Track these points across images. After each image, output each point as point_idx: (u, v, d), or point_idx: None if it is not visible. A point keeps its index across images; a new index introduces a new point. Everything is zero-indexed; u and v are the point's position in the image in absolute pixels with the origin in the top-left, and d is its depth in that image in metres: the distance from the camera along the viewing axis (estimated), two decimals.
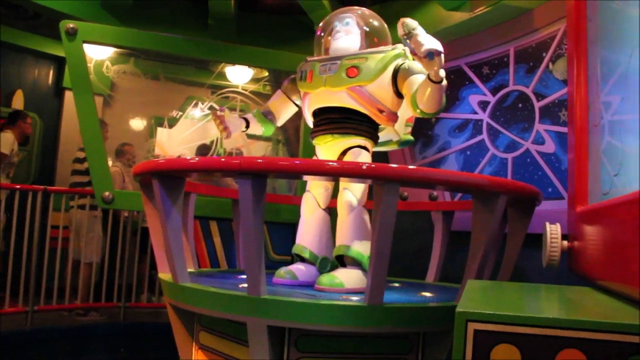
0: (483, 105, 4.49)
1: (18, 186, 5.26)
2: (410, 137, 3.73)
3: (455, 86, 4.75)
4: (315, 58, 3.51)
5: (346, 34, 3.46)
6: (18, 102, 6.50)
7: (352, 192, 3.28)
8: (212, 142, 5.65)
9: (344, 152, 3.39)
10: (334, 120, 3.39)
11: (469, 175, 2.65)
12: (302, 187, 4.52)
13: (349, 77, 3.28)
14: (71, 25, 4.57)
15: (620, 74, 1.91)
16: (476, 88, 4.58)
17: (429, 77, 2.96)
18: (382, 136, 3.61)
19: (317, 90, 3.41)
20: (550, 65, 3.97)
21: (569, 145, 2.67)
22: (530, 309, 1.59)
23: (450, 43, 4.72)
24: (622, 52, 1.88)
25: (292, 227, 4.80)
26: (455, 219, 4.08)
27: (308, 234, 3.57)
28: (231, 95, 5.75)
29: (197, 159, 2.65)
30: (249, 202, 2.50)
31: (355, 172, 2.46)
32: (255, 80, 6.20)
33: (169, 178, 2.88)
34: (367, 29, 3.50)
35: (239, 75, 6.08)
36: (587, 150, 2.49)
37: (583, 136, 2.48)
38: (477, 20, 4.29)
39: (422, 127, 4.84)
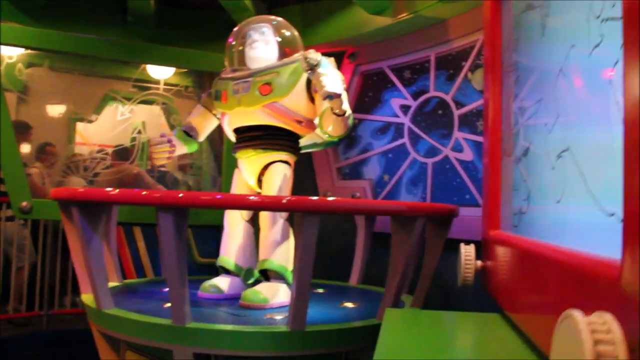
0: (404, 109, 4.57)
1: None
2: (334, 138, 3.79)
3: (378, 88, 4.81)
4: (228, 75, 3.49)
5: (265, 43, 3.46)
6: None
7: None
8: (132, 145, 5.53)
9: (266, 167, 3.43)
10: (254, 137, 3.41)
11: (387, 203, 2.72)
12: (227, 188, 4.52)
13: (262, 94, 3.30)
14: None
15: (535, 79, 1.99)
16: (398, 91, 4.65)
17: (332, 111, 3.05)
18: (307, 140, 3.66)
19: (233, 110, 3.41)
20: (469, 75, 4.06)
21: (483, 169, 2.77)
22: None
23: (373, 45, 4.77)
24: (536, 57, 1.97)
25: (215, 229, 4.80)
26: (377, 220, 4.17)
27: (232, 246, 3.60)
28: (154, 95, 5.63)
29: (117, 191, 2.60)
30: (171, 236, 2.49)
31: (276, 206, 2.49)
32: (179, 74, 6.06)
33: (90, 206, 2.83)
34: (280, 39, 3.51)
35: (161, 70, 5.93)
36: (499, 179, 2.60)
37: (495, 164, 2.58)
38: (400, 25, 4.34)
39: None
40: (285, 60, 3.42)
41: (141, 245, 4.59)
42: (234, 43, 3.57)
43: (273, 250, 3.32)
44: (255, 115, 3.37)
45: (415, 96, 4.51)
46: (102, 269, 2.94)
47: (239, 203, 2.49)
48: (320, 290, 3.88)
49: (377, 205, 2.72)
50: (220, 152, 5.39)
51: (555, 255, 1.49)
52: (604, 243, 1.11)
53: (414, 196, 4.43)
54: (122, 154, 5.54)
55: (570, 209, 1.51)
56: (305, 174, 4.97)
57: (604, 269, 1.08)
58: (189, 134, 3.74)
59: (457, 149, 4.11)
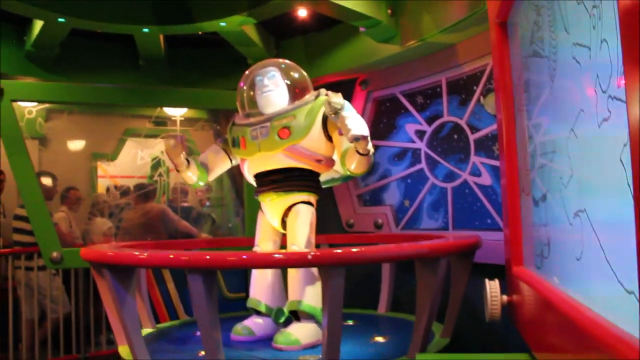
0: (420, 134, 4.60)
1: None
2: None
3: (392, 114, 4.85)
4: (243, 122, 3.52)
5: (275, 87, 3.49)
6: None
7: (299, 247, 3.36)
8: (154, 182, 5.64)
9: (290, 208, 3.48)
10: (275, 180, 3.46)
11: (410, 248, 2.75)
12: (250, 225, 4.59)
13: (282, 138, 3.34)
14: None
15: (547, 130, 2.00)
16: (412, 117, 4.68)
17: (356, 150, 3.09)
18: (325, 176, 3.70)
19: (253, 156, 3.46)
20: (482, 99, 4.09)
21: (502, 204, 2.79)
22: None
23: (383, 71, 4.81)
24: (547, 107, 1.99)
25: None
26: None
27: (261, 287, 3.64)
28: (171, 131, 5.75)
29: (146, 254, 2.67)
30: (202, 297, 2.54)
31: (302, 262, 2.54)
32: (194, 109, 6.17)
33: (120, 268, 2.90)
34: (289, 82, 3.54)
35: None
36: (519, 216, 2.62)
37: (514, 201, 2.61)
38: (409, 51, 4.37)
39: None
40: (299, 102, 3.46)
41: (171, 286, 4.65)
42: (244, 88, 3.62)
43: (302, 290, 3.37)
44: (276, 160, 3.42)
45: (429, 121, 4.54)
46: (136, 324, 2.99)
47: (265, 262, 2.55)
48: (350, 322, 3.92)
49: (401, 251, 2.75)
50: (242, 187, 5.46)
51: (579, 317, 1.51)
52: (626, 316, 1.13)
53: (435, 221, 4.47)
54: (144, 194, 5.66)
55: (591, 270, 1.53)
56: (326, 202, 5.02)
57: (624, 347, 1.10)
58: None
59: (475, 173, 4.13)
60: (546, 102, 2.01)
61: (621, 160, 1.17)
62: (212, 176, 3.81)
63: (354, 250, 2.52)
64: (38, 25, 4.48)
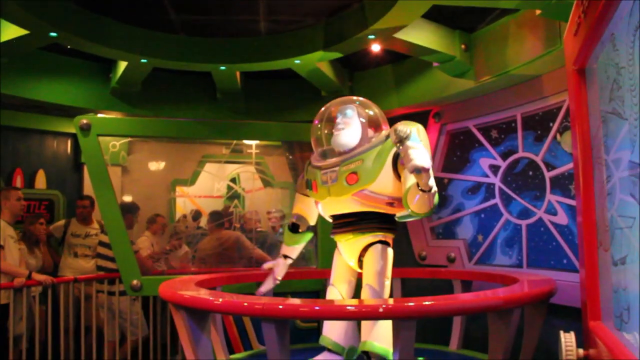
0: (494, 169, 4.54)
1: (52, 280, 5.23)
2: None
3: (465, 148, 4.80)
4: (317, 164, 3.53)
5: (346, 126, 3.46)
6: (41, 181, 6.61)
7: (374, 287, 3.36)
8: (229, 213, 5.84)
9: (366, 248, 3.47)
10: (349, 222, 3.47)
11: (483, 299, 2.72)
12: (323, 255, 4.65)
13: (350, 184, 3.31)
14: (85, 121, 4.70)
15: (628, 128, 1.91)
16: (486, 151, 4.62)
17: (418, 186, 3.01)
18: (403, 212, 3.66)
19: (325, 200, 3.49)
20: (558, 137, 3.99)
21: (580, 258, 2.72)
22: None
23: (457, 104, 4.77)
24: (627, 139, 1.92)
25: (316, 295, 4.94)
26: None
27: (334, 326, 3.65)
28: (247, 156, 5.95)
29: (221, 300, 2.76)
30: (274, 344, 2.61)
31: (374, 314, 2.56)
32: None
33: (196, 310, 3.00)
34: (365, 120, 3.50)
35: None
36: (597, 270, 2.55)
37: (593, 261, 2.54)
38: (483, 86, 4.33)
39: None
40: (368, 145, 3.41)
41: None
42: (319, 125, 3.61)
43: (374, 331, 3.36)
44: (346, 204, 3.42)
45: (503, 156, 4.47)
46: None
47: (337, 314, 2.59)
48: None
49: (473, 303, 2.73)
50: None
51: None
52: None
53: (509, 258, 4.39)
54: (216, 217, 5.90)
55: None
56: (399, 233, 5.00)
57: None
58: (297, 226, 3.86)
59: (551, 211, 4.03)
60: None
61: None
62: (313, 221, 3.91)
63: (426, 303, 2.51)
64: (122, 64, 4.71)
